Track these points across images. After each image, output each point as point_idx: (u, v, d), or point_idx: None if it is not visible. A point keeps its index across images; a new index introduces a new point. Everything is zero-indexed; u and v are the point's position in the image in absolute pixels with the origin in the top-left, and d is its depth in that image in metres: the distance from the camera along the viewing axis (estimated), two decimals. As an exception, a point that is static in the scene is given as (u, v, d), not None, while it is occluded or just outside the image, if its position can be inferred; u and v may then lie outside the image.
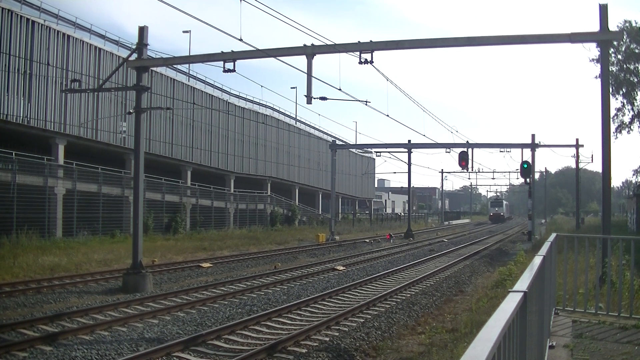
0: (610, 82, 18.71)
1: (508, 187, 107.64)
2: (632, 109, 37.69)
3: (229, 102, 45.80)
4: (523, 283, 3.34)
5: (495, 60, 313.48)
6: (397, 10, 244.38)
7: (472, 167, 37.42)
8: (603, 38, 12.82)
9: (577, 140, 42.61)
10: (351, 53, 13.77)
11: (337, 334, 9.72)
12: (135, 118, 15.41)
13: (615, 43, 31.22)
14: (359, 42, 13.88)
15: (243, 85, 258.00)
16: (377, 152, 42.66)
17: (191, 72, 42.42)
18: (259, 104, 51.50)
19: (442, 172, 72.51)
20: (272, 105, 54.35)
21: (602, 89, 12.84)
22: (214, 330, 9.46)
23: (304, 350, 8.61)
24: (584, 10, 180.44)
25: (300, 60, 14.49)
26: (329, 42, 14.18)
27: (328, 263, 21.57)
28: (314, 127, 61.30)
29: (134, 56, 15.26)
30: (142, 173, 15.38)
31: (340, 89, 16.45)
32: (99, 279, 15.85)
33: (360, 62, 13.52)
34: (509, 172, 61.55)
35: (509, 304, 2.58)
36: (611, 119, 25.60)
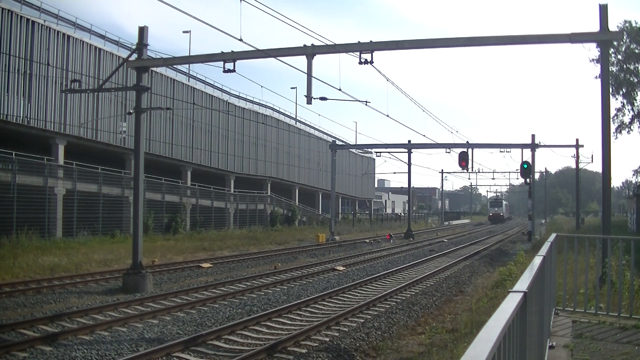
0: (610, 82, 18.71)
1: (508, 187, 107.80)
2: (632, 109, 37.70)
3: (229, 103, 45.81)
4: (523, 283, 3.35)
5: (496, 60, 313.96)
6: (397, 10, 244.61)
7: (472, 167, 37.46)
8: (603, 38, 12.82)
9: (577, 140, 42.62)
10: (351, 53, 13.76)
11: (337, 334, 9.72)
12: (135, 118, 15.41)
13: (615, 43, 31.23)
14: (359, 42, 13.88)
15: (243, 85, 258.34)
16: (377, 152, 42.67)
17: (191, 72, 42.49)
18: (259, 104, 51.53)
19: (442, 172, 72.54)
20: (272, 106, 54.46)
21: (602, 89, 12.84)
22: (214, 331, 9.46)
23: (304, 351, 8.61)
24: (584, 10, 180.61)
25: (300, 61, 14.50)
26: (329, 42, 14.18)
27: (328, 263, 21.57)
28: (314, 127, 61.35)
29: (134, 56, 15.27)
30: (142, 173, 15.38)
31: (340, 89, 16.46)
32: (99, 279, 15.85)
33: (360, 62, 13.52)
34: (509, 172, 61.56)
35: (509, 304, 2.58)
36: (611, 119, 25.63)
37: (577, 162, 42.80)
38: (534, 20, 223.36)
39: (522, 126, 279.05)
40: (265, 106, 52.56)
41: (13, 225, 22.86)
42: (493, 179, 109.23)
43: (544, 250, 6.12)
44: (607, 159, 12.64)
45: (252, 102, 50.77)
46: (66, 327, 9.94)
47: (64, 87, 28.72)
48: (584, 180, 79.99)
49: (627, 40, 34.86)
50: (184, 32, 57.06)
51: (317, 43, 14.19)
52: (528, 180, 33.78)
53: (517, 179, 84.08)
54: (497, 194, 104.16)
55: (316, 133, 61.54)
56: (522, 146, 35.61)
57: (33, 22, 29.18)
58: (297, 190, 56.11)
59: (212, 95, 44.28)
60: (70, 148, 29.51)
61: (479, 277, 18.23)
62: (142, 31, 14.95)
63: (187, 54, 28.79)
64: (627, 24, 35.04)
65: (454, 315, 11.57)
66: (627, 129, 38.02)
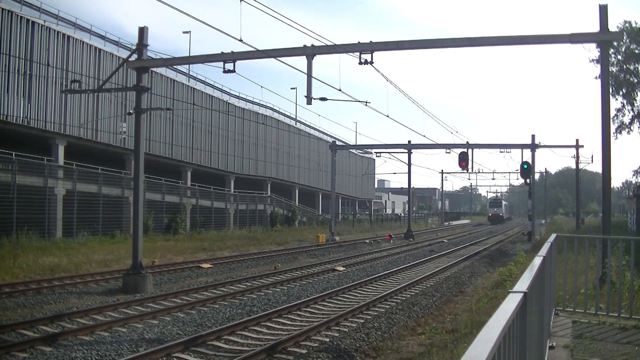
0: (610, 83, 18.72)
1: (508, 187, 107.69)
2: (632, 110, 37.70)
3: (228, 103, 45.81)
4: (523, 283, 3.35)
5: (496, 60, 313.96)
6: (397, 10, 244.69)
7: (472, 167, 37.42)
8: (603, 38, 12.83)
9: (577, 140, 42.70)
10: (351, 53, 13.77)
11: (337, 334, 9.72)
12: (135, 119, 15.42)
13: (615, 43, 31.22)
14: (359, 42, 13.88)
15: (243, 85, 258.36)
16: (377, 152, 42.63)
17: (191, 73, 42.49)
18: (258, 104, 51.53)
19: (442, 172, 72.53)
20: (272, 106, 54.46)
21: (602, 89, 12.85)
22: (214, 331, 9.46)
23: (304, 351, 8.61)
24: (584, 10, 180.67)
25: (300, 61, 14.48)
26: (329, 43, 14.19)
27: (328, 264, 21.57)
28: (314, 128, 61.36)
29: (134, 57, 15.27)
30: (142, 174, 15.38)
31: (340, 90, 16.48)
32: (99, 280, 15.85)
33: (360, 63, 13.53)
34: (509, 172, 61.77)
35: (509, 305, 2.58)
36: (611, 120, 25.64)
37: (577, 163, 42.85)
38: (534, 21, 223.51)
39: (522, 126, 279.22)
40: (265, 106, 52.60)
41: (13, 226, 22.86)
42: (493, 179, 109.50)
43: (544, 250, 6.12)
44: (607, 159, 12.65)
45: (252, 102, 50.80)
46: (66, 327, 9.94)
47: (64, 87, 28.71)
48: (584, 180, 80.00)
49: (627, 40, 34.87)
50: (184, 32, 57.06)
51: (317, 43, 14.20)
52: (528, 180, 33.79)
53: (517, 179, 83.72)
54: (497, 194, 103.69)
55: (316, 133, 61.56)
56: (522, 146, 35.62)
57: (33, 22, 29.18)
58: (297, 191, 56.12)
59: (212, 96, 44.29)
60: (70, 148, 29.52)
61: (479, 278, 18.23)
62: (142, 32, 14.96)
63: (187, 55, 28.80)
64: (627, 25, 35.05)
65: (454, 316, 11.57)
66: (627, 129, 38.05)
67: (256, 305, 12.49)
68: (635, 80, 36.49)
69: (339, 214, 60.07)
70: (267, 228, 43.75)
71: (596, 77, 33.68)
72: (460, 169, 32.23)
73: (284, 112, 56.46)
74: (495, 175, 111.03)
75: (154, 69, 31.52)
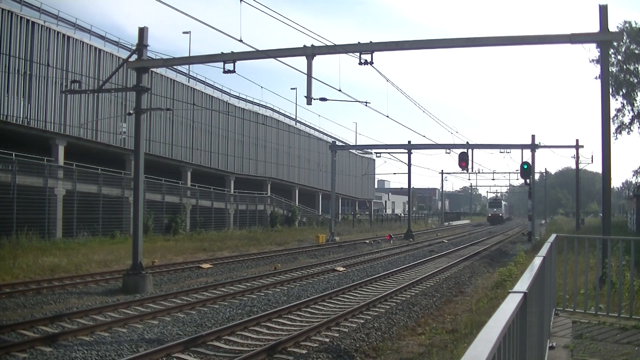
0: (610, 83, 18.72)
1: (508, 187, 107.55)
2: (632, 110, 37.70)
3: (228, 103, 45.81)
4: (523, 284, 3.35)
5: (496, 60, 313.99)
6: (397, 10, 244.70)
7: (472, 167, 37.38)
8: (603, 39, 12.83)
9: (577, 141, 42.66)
10: (351, 54, 13.77)
11: (337, 334, 9.72)
12: (135, 119, 15.42)
13: (615, 44, 31.23)
14: (358, 42, 13.88)
15: (243, 86, 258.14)
16: (377, 152, 42.62)
17: (191, 73, 42.50)
18: (258, 104, 51.53)
19: (442, 172, 72.55)
20: (272, 106, 54.47)
21: (602, 89, 12.85)
22: (214, 331, 9.46)
23: (304, 351, 8.61)
24: (584, 10, 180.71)
25: (300, 61, 14.48)
26: (329, 43, 14.19)
27: (328, 264, 21.57)
28: (314, 128, 61.37)
29: (134, 57, 15.27)
30: (142, 174, 15.38)
31: (340, 90, 16.49)
32: (99, 280, 15.85)
33: (360, 63, 13.53)
34: (509, 172, 61.87)
35: (509, 305, 2.58)
36: (611, 120, 25.63)
37: (577, 163, 42.84)
38: (534, 21, 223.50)
39: (522, 126, 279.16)
40: (265, 107, 52.61)
41: (13, 226, 22.86)
42: (493, 179, 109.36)
43: (544, 250, 6.12)
44: (607, 159, 12.65)
45: (252, 102, 50.80)
46: (66, 327, 9.94)
47: (64, 87, 28.71)
48: (584, 180, 80.00)
49: (627, 40, 34.87)
50: (184, 32, 56.90)
51: (317, 43, 14.20)
52: (528, 180, 33.79)
53: (517, 179, 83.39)
54: (497, 194, 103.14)
55: (316, 134, 61.57)
56: (522, 147, 35.63)
57: (33, 22, 29.18)
58: (297, 191, 56.12)
59: (212, 96, 44.29)
60: (70, 149, 29.52)
61: (479, 278, 18.22)
62: (142, 32, 14.96)
63: (187, 55, 28.84)
64: (627, 25, 35.05)
65: (454, 316, 11.57)
66: (627, 130, 38.04)
67: (256, 305, 12.49)
68: (635, 81, 36.49)
69: (339, 214, 60.06)
70: (267, 228, 43.75)
71: (596, 77, 33.70)
72: (460, 169, 32.23)
73: (284, 112, 56.55)
74: (495, 176, 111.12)
75: (154, 69, 31.53)
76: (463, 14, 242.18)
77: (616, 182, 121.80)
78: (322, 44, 14.13)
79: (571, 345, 6.86)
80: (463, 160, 30.97)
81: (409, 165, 40.29)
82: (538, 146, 35.90)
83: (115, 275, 16.41)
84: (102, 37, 35.21)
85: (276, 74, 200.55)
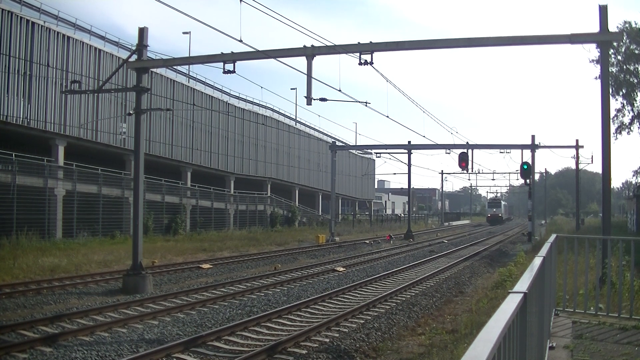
0: (610, 83, 18.72)
1: (508, 188, 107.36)
2: (632, 110, 37.69)
3: (228, 103, 45.81)
4: (523, 284, 3.34)
5: (495, 61, 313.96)
6: (397, 10, 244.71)
7: (472, 168, 37.34)
8: (603, 39, 12.83)
9: (577, 141, 42.60)
10: (351, 54, 13.77)
11: (337, 335, 9.72)
12: (135, 119, 15.42)
13: (615, 44, 31.23)
14: (358, 43, 13.88)
15: (243, 86, 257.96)
16: (377, 153, 42.63)
17: (191, 73, 42.50)
18: (258, 105, 51.54)
19: (442, 173, 72.54)
20: (272, 106, 54.46)
21: (602, 89, 12.85)
22: (214, 332, 9.46)
23: (304, 352, 8.61)
24: (584, 11, 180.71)
25: (300, 61, 14.48)
26: (328, 43, 14.19)
27: (328, 264, 21.56)
28: (313, 128, 61.37)
29: (134, 57, 15.27)
30: (142, 174, 15.38)
31: (340, 90, 16.48)
32: (99, 280, 15.84)
33: (360, 63, 13.53)
34: (509, 173, 61.90)
35: (509, 305, 2.58)
36: (611, 120, 25.61)
37: (577, 163, 42.80)
38: (534, 21, 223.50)
39: (522, 127, 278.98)
40: (265, 107, 52.61)
41: (13, 226, 22.87)
42: (493, 179, 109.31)
43: (544, 251, 6.12)
44: (607, 159, 12.65)
45: (252, 103, 50.81)
46: (66, 328, 9.94)
47: (63, 88, 28.72)
48: (584, 181, 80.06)
49: (627, 41, 34.86)
50: (184, 33, 56.78)
51: (317, 44, 14.20)
52: (528, 181, 33.80)
53: (517, 179, 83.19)
54: (497, 194, 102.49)
55: (316, 134, 61.58)
56: (522, 147, 35.62)
57: (33, 23, 29.18)
58: (297, 191, 56.12)
59: (212, 96, 44.30)
60: (70, 149, 29.52)
61: (479, 278, 18.22)
62: (142, 32, 14.96)
63: (187, 55, 28.84)
64: (627, 25, 35.05)
65: (454, 316, 11.57)
66: (627, 130, 38.03)
67: (256, 305, 12.49)
68: (635, 81, 36.49)
69: (339, 215, 60.05)
70: (267, 228, 43.76)
71: (596, 78, 33.69)
72: (460, 169, 32.21)
73: (284, 112, 56.57)
74: (495, 176, 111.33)
75: (154, 70, 31.52)
76: (463, 14, 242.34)
77: (616, 182, 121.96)
78: (322, 44, 14.14)
79: (571, 345, 6.86)
80: (463, 161, 30.96)
81: (409, 165, 40.31)
82: (538, 146, 35.91)
83: (115, 276, 16.41)
84: (102, 38, 35.24)
85: (276, 74, 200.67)
